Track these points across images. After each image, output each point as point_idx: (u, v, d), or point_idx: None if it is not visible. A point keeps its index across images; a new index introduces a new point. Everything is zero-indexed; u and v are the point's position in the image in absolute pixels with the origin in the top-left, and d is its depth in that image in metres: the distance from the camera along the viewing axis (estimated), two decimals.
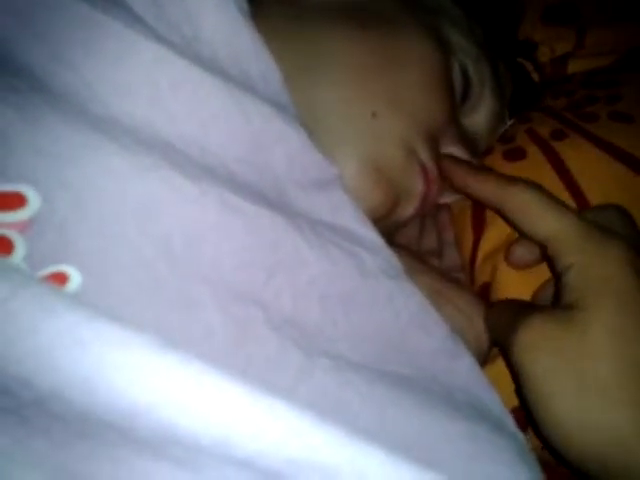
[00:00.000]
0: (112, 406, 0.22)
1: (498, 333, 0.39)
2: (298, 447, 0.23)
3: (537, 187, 0.38)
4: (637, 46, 0.54)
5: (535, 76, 0.56)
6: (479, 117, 0.49)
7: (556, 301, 0.37)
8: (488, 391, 0.33)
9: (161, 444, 0.22)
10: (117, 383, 0.22)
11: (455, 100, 0.47)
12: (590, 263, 0.35)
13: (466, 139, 0.48)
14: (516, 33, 0.56)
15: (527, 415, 0.37)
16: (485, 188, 0.40)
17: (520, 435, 0.33)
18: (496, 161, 0.48)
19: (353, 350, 0.31)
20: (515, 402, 0.44)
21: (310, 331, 0.30)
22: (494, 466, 0.29)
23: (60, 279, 0.25)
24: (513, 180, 0.39)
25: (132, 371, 0.22)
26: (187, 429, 0.22)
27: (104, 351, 0.22)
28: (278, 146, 0.33)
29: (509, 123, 0.52)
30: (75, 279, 0.25)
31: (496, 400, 0.33)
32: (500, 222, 0.47)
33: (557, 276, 0.37)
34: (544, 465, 0.44)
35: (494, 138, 0.51)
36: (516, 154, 0.48)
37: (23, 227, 0.25)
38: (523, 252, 0.42)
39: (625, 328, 0.33)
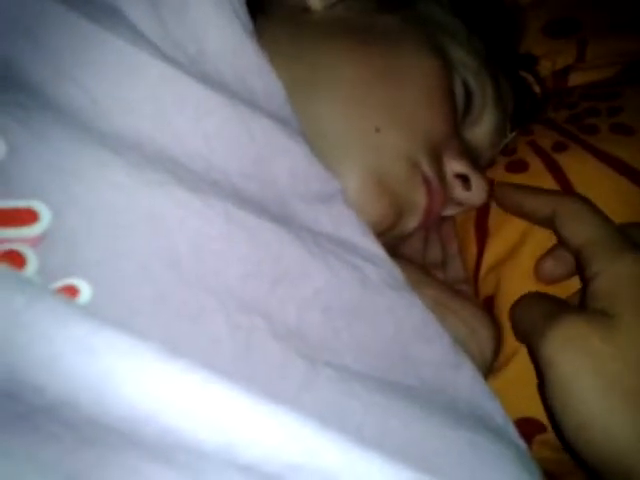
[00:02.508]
0: (120, 412, 0.23)
1: (526, 327, 0.39)
2: (299, 452, 0.24)
3: (586, 199, 0.41)
4: (638, 58, 0.55)
5: (537, 89, 0.57)
6: (481, 130, 0.50)
7: (581, 307, 0.38)
8: (490, 401, 0.34)
9: (167, 450, 0.23)
10: (125, 390, 0.23)
11: (457, 114, 0.47)
12: (619, 271, 0.36)
13: (469, 152, 0.48)
14: (517, 47, 0.57)
15: (548, 414, 0.38)
16: (540, 202, 0.42)
17: (523, 445, 0.33)
18: (499, 173, 0.49)
19: (356, 360, 0.31)
20: (521, 412, 0.44)
21: (314, 342, 0.30)
22: (496, 475, 0.30)
23: (71, 292, 0.26)
24: (564, 193, 0.43)
25: (139, 378, 0.23)
26: (191, 435, 0.23)
27: (113, 359, 0.23)
28: (281, 160, 0.34)
29: (511, 136, 0.53)
30: (85, 292, 0.26)
31: (498, 410, 0.34)
32: (503, 234, 0.47)
33: (586, 282, 0.38)
34: (549, 476, 0.45)
35: (496, 151, 0.52)
36: (518, 166, 0.48)
37: (35, 242, 0.26)
38: (551, 266, 0.43)
39: None
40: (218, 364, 0.26)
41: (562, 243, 0.42)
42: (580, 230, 0.39)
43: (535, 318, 0.38)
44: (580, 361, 0.35)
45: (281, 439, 0.24)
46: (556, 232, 0.42)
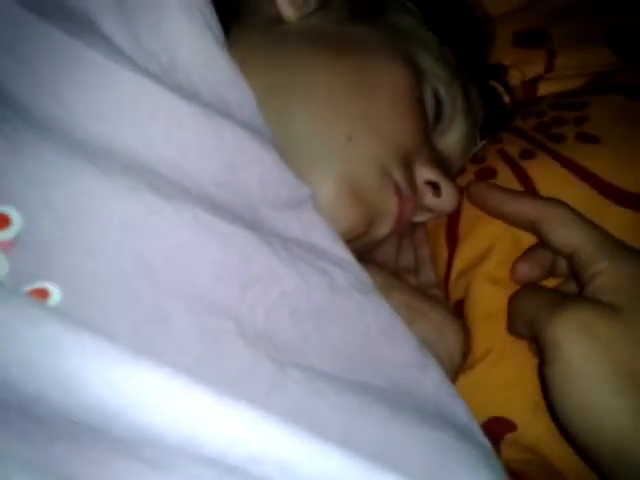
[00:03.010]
0: (89, 409, 0.24)
1: (531, 313, 0.40)
2: (260, 444, 0.25)
3: (567, 205, 0.42)
4: (606, 69, 0.56)
5: (506, 98, 0.58)
6: (451, 139, 0.51)
7: None
8: (456, 401, 0.35)
9: (135, 445, 0.24)
10: (93, 387, 0.24)
11: (428, 123, 0.48)
12: (621, 269, 0.38)
13: (439, 160, 0.49)
14: (487, 57, 0.58)
15: (545, 399, 0.40)
16: (521, 205, 0.44)
17: (487, 444, 0.34)
18: (468, 181, 0.50)
19: (324, 362, 0.32)
20: (491, 412, 0.45)
21: (282, 344, 0.31)
22: (458, 472, 0.31)
23: (42, 294, 0.27)
24: (547, 198, 0.44)
25: (107, 376, 0.24)
26: (157, 430, 0.24)
27: (81, 358, 0.24)
28: (252, 168, 0.35)
29: (481, 144, 0.54)
30: (55, 295, 0.27)
31: (463, 409, 0.35)
32: (472, 240, 0.48)
33: (585, 282, 0.40)
34: (517, 476, 0.46)
35: (466, 159, 0.53)
36: (487, 173, 0.50)
37: (7, 246, 0.27)
38: (527, 268, 0.45)
39: None
40: (187, 366, 0.27)
41: (547, 246, 0.43)
42: (571, 235, 0.41)
43: (540, 304, 0.40)
44: (587, 345, 0.36)
45: (243, 432, 0.25)
46: (539, 235, 0.44)
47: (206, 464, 0.24)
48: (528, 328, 0.41)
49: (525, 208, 0.43)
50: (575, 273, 0.41)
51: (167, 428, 0.24)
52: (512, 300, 0.44)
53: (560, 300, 0.39)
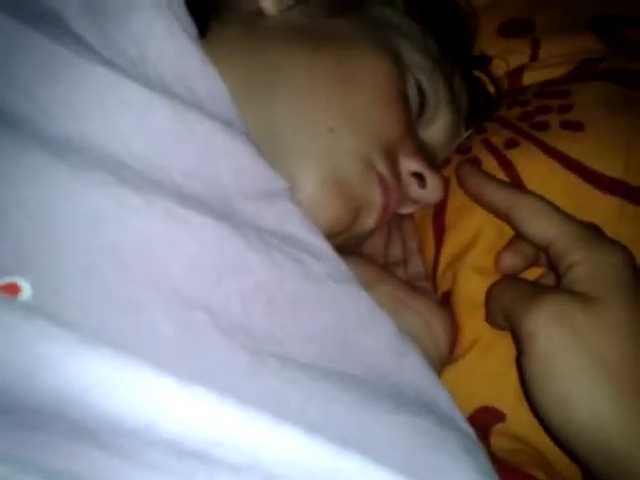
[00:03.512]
0: (48, 394, 0.24)
1: (507, 305, 0.41)
2: (219, 428, 0.25)
3: (542, 197, 0.42)
4: (590, 57, 0.56)
5: (491, 88, 0.58)
6: (436, 129, 0.51)
7: None
8: (436, 388, 0.35)
9: (91, 429, 0.24)
10: (52, 373, 0.24)
11: (411, 114, 0.48)
12: (598, 259, 0.38)
13: (423, 151, 0.49)
14: (471, 48, 0.58)
15: (524, 391, 0.40)
16: (497, 195, 0.44)
17: (470, 431, 0.34)
18: (454, 171, 0.50)
19: (301, 351, 0.32)
20: (479, 402, 0.45)
21: (258, 334, 0.31)
22: (438, 458, 0.31)
23: (12, 289, 0.27)
24: (522, 190, 0.44)
25: (65, 362, 0.25)
26: (113, 414, 0.24)
27: (41, 345, 0.25)
28: (224, 160, 0.35)
29: (466, 134, 0.54)
30: (26, 289, 0.27)
31: (444, 396, 0.35)
32: (459, 230, 0.48)
33: (561, 273, 0.40)
34: (507, 466, 0.46)
35: (451, 149, 0.53)
36: (472, 163, 0.50)
37: None
38: (511, 258, 0.45)
39: (633, 322, 0.36)
40: (161, 358, 0.27)
41: (523, 238, 0.43)
42: (546, 226, 0.40)
43: (516, 296, 0.40)
44: (563, 336, 0.36)
45: (201, 416, 0.25)
46: (514, 228, 0.43)
47: (165, 448, 0.25)
48: (505, 320, 0.41)
49: (499, 198, 0.44)
50: (552, 265, 0.41)
51: (124, 413, 0.24)
52: (489, 292, 0.44)
53: (535, 292, 0.39)
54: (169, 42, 0.35)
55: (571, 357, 0.36)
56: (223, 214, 0.33)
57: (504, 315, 0.41)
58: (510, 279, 0.44)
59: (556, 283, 0.41)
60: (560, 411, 0.37)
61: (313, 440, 0.26)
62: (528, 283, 0.43)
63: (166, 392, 0.25)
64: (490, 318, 0.44)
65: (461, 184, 0.48)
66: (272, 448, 0.25)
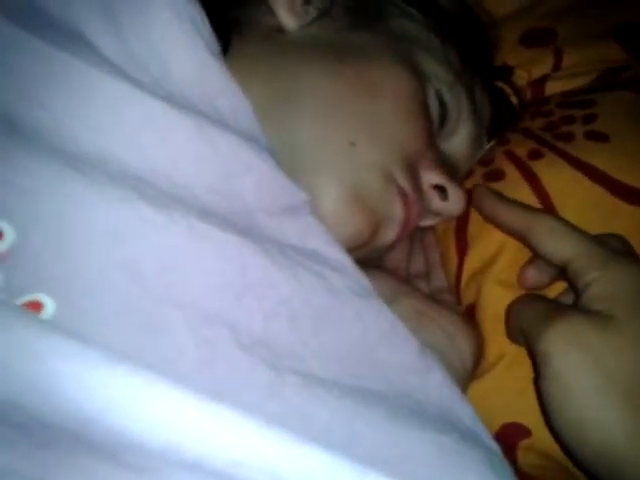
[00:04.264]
0: (66, 414, 0.24)
1: (525, 324, 0.40)
2: (241, 448, 0.25)
3: (557, 216, 0.42)
4: (613, 66, 0.56)
5: (513, 99, 0.57)
6: (457, 141, 0.51)
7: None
8: (460, 404, 0.35)
9: (115, 450, 0.24)
10: (70, 392, 0.24)
11: (432, 126, 0.48)
12: (614, 278, 0.38)
13: (445, 163, 0.49)
14: (493, 58, 0.58)
15: (542, 411, 0.39)
16: (512, 216, 0.43)
17: (495, 447, 0.34)
18: (476, 183, 0.50)
19: (323, 367, 0.32)
20: (505, 418, 0.45)
21: (280, 350, 0.31)
22: (463, 475, 0.30)
23: (35, 307, 0.27)
24: (537, 210, 0.44)
25: (83, 380, 0.24)
26: (136, 435, 0.24)
27: (57, 363, 0.24)
28: (247, 175, 0.35)
29: (489, 146, 0.53)
30: (50, 306, 0.27)
31: (468, 412, 0.34)
32: (482, 243, 0.48)
33: (579, 292, 0.39)
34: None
35: (474, 161, 0.52)
36: (495, 175, 0.49)
37: (1, 259, 0.27)
38: (535, 274, 0.44)
39: None
40: (183, 375, 0.27)
41: (541, 258, 0.42)
42: (561, 246, 0.40)
43: (534, 316, 0.40)
44: (579, 357, 0.36)
45: (225, 437, 0.25)
46: (530, 247, 0.43)
47: (188, 469, 0.24)
48: (523, 338, 0.40)
49: (514, 219, 0.43)
50: (570, 283, 0.41)
51: (146, 433, 0.24)
52: (508, 310, 0.43)
53: (552, 312, 0.38)
54: (193, 59, 0.35)
55: (585, 378, 0.36)
56: (245, 230, 0.33)
57: (522, 334, 0.40)
58: (528, 297, 0.43)
59: (575, 300, 0.41)
60: (575, 432, 0.36)
61: (336, 459, 0.26)
62: (546, 302, 0.43)
63: (188, 411, 0.25)
64: (510, 336, 0.44)
65: (477, 207, 0.47)
66: (294, 468, 0.25)
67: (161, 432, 0.24)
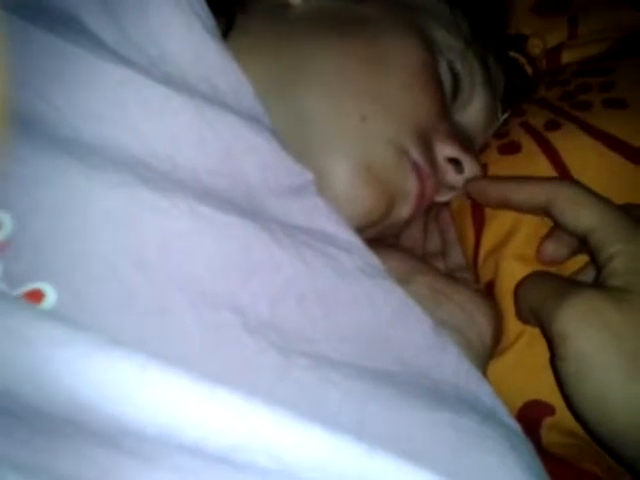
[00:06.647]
0: (61, 401, 0.23)
1: (535, 304, 0.39)
2: (242, 431, 0.24)
3: (579, 183, 0.40)
4: (630, 32, 0.54)
5: (528, 69, 0.56)
6: (472, 113, 0.49)
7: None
8: (477, 383, 0.34)
9: (113, 435, 0.24)
10: (64, 378, 0.23)
11: (445, 97, 0.47)
12: (637, 250, 0.36)
13: (460, 135, 0.47)
14: (506, 27, 0.56)
15: (560, 390, 0.38)
16: (529, 192, 0.41)
17: (515, 425, 0.33)
18: (492, 156, 0.48)
19: (334, 349, 0.31)
20: (528, 396, 0.44)
21: (288, 332, 0.30)
22: (482, 456, 0.29)
23: (36, 296, 0.26)
24: (555, 179, 0.41)
25: (77, 366, 0.24)
26: (133, 419, 0.24)
27: (50, 349, 0.24)
28: (249, 156, 0.34)
29: (504, 117, 0.52)
30: (51, 295, 0.26)
31: (487, 391, 0.33)
32: (499, 218, 0.47)
33: (600, 265, 0.37)
34: (559, 460, 0.44)
35: (489, 133, 0.51)
36: (511, 148, 0.48)
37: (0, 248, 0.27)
38: (553, 248, 0.43)
39: None
40: (189, 359, 0.26)
41: (561, 228, 0.41)
42: (584, 215, 0.38)
43: (545, 294, 0.38)
44: (597, 334, 0.34)
45: (225, 420, 0.24)
46: (554, 218, 0.41)
47: (188, 453, 0.24)
48: (534, 319, 0.39)
49: (534, 193, 0.41)
50: (591, 255, 0.39)
51: (145, 418, 0.24)
52: (516, 291, 0.42)
53: (564, 289, 0.37)
54: (189, 38, 0.34)
55: (604, 356, 0.34)
56: (249, 211, 0.33)
57: (532, 314, 0.39)
58: (537, 275, 0.42)
59: (596, 275, 0.39)
60: (597, 411, 0.35)
61: (344, 442, 0.25)
62: (555, 279, 0.41)
63: (187, 395, 0.24)
64: (520, 317, 0.42)
65: (480, 197, 0.46)
66: (300, 451, 0.24)
67: (160, 416, 0.24)
